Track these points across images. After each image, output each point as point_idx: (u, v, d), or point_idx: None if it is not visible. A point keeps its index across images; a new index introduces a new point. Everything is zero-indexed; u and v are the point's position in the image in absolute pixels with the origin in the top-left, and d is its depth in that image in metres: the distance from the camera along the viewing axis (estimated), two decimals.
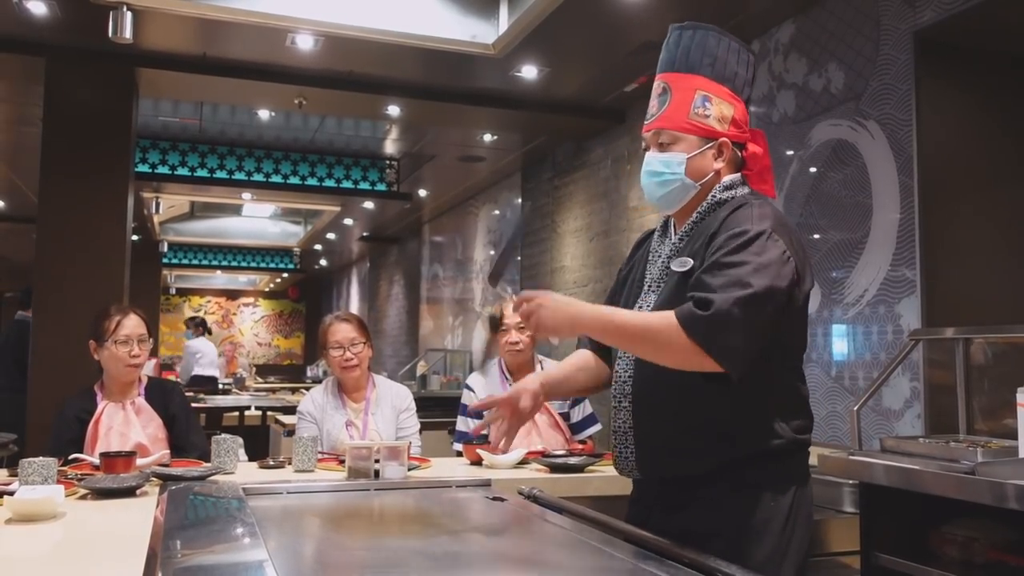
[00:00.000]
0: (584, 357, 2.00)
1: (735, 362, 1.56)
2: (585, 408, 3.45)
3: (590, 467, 2.84)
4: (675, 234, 1.83)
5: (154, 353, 6.11)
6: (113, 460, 2.40)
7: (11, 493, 1.96)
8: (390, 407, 3.27)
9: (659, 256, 1.84)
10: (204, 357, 10.39)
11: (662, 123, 1.78)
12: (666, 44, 1.85)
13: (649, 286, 1.81)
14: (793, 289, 1.64)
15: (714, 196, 1.77)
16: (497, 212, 8.43)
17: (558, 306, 1.67)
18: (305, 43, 4.62)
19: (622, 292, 1.93)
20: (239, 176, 7.92)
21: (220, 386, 9.60)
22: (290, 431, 4.39)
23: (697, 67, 1.78)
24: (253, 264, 15.15)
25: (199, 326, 10.83)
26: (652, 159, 1.80)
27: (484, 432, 3.35)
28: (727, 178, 1.79)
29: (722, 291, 1.56)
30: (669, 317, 1.59)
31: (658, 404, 1.73)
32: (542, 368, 3.44)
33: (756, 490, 1.67)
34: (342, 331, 3.23)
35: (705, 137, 1.76)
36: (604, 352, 1.97)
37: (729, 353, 1.56)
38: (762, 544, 1.64)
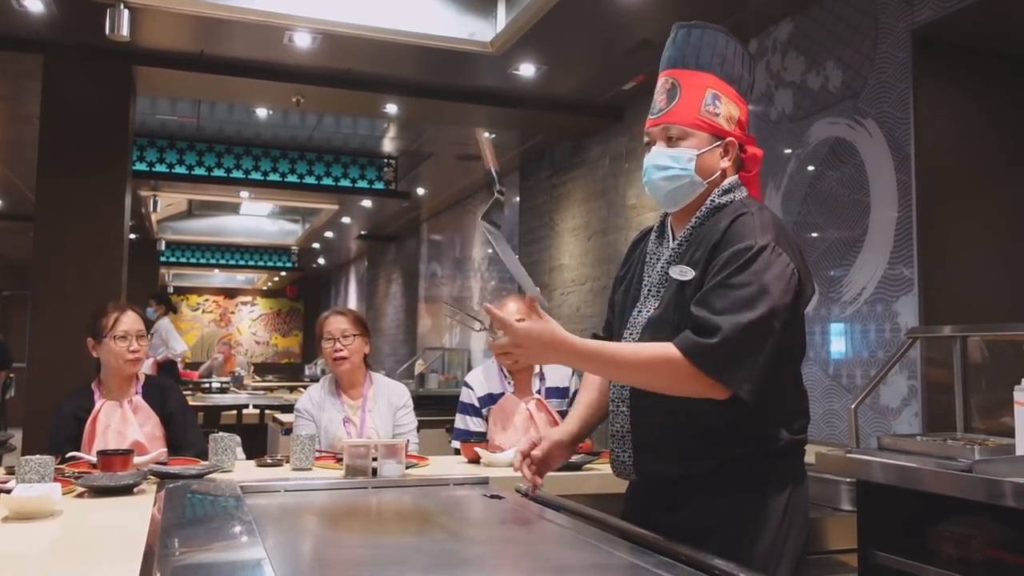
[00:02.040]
0: (597, 383, 2.00)
1: (748, 388, 1.56)
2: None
3: (588, 465, 2.84)
4: (673, 238, 1.82)
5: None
6: (110, 458, 2.40)
7: (8, 491, 1.96)
8: (387, 404, 3.27)
9: (657, 259, 1.83)
10: (173, 339, 9.13)
11: (672, 118, 1.76)
12: (672, 42, 1.84)
13: (649, 291, 1.80)
14: (797, 301, 1.65)
15: (712, 200, 1.76)
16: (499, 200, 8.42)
17: (533, 347, 1.60)
18: (303, 41, 4.61)
19: (620, 296, 1.92)
20: (237, 174, 7.91)
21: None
22: (288, 429, 4.38)
23: (707, 65, 1.77)
24: (251, 262, 15.14)
25: (162, 303, 9.26)
26: (660, 152, 1.77)
27: (483, 431, 3.37)
28: (726, 182, 1.78)
29: (728, 315, 1.55)
30: (669, 349, 1.57)
31: (656, 408, 1.72)
32: (540, 366, 3.44)
33: (753, 490, 1.67)
34: (335, 323, 3.25)
35: (714, 135, 1.75)
36: None
37: (741, 381, 1.55)
38: (758, 543, 1.64)
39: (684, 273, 1.71)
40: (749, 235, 1.64)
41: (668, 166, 1.76)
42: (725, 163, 1.77)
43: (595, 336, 2.05)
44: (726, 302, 1.57)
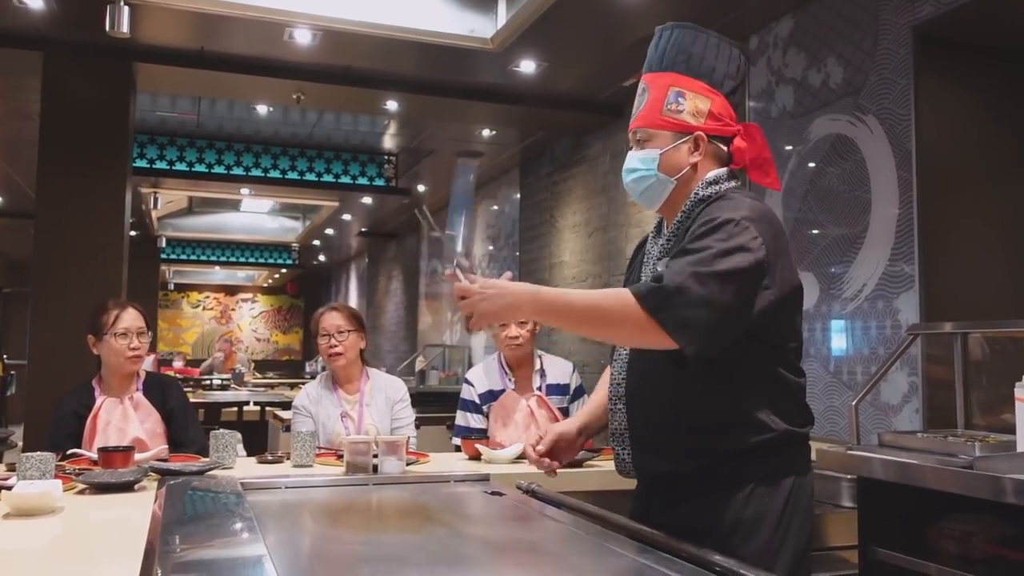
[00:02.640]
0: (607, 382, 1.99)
1: (690, 337, 1.53)
2: (584, 403, 3.45)
3: (588, 462, 2.84)
4: (664, 235, 1.83)
5: (152, 348, 6.09)
6: (111, 455, 2.40)
7: (9, 488, 1.96)
8: (384, 398, 3.28)
9: (652, 257, 1.84)
10: None
11: (637, 122, 1.81)
12: (650, 47, 1.88)
13: None
14: (763, 275, 1.62)
15: (697, 193, 1.76)
16: (496, 207, 8.43)
17: (494, 295, 1.59)
18: (303, 38, 4.61)
19: None
20: (237, 171, 7.91)
21: None
22: (288, 426, 4.39)
23: (671, 65, 1.80)
24: (251, 259, 15.14)
25: None
26: (630, 156, 1.83)
27: (484, 427, 3.37)
28: (711, 173, 1.77)
29: (673, 272, 1.56)
30: (622, 292, 1.57)
31: (649, 404, 1.73)
32: (541, 362, 3.45)
33: (749, 485, 1.66)
34: (329, 319, 3.26)
35: (678, 132, 1.76)
36: None
37: (683, 326, 1.53)
38: (755, 539, 1.64)
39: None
40: (716, 211, 1.66)
41: (636, 168, 1.80)
42: (695, 158, 1.77)
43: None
44: (680, 263, 1.58)
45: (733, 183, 1.79)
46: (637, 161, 1.80)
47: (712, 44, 1.81)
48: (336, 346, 3.21)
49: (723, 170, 1.79)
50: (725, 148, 1.80)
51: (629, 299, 1.55)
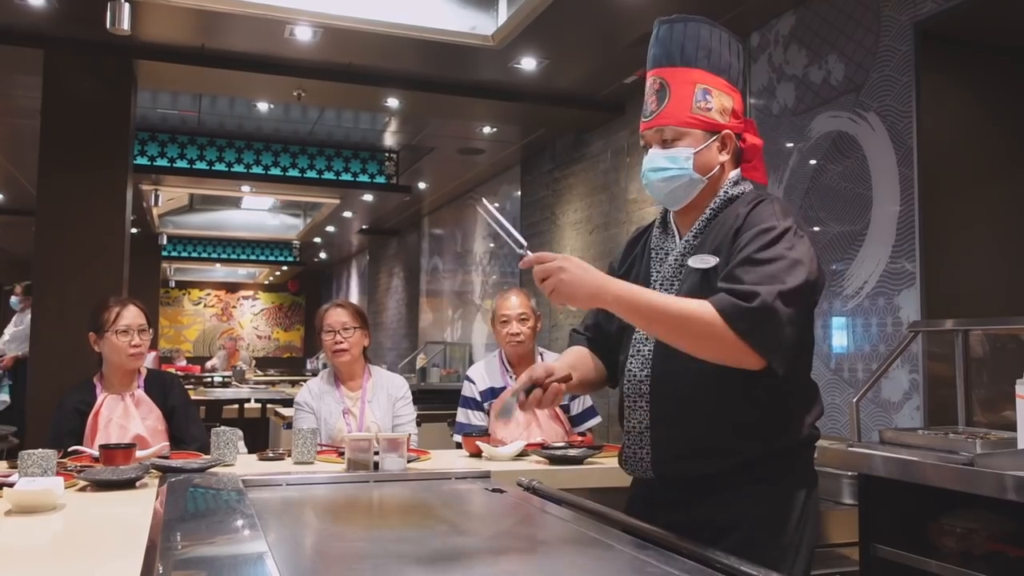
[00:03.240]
0: (580, 355, 1.94)
1: (779, 357, 1.54)
2: (585, 401, 3.45)
3: (589, 459, 2.84)
4: (679, 232, 1.81)
5: (154, 345, 6.09)
6: (113, 452, 2.41)
7: (11, 485, 1.96)
8: (386, 396, 3.28)
9: (666, 253, 1.81)
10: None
11: (664, 119, 1.74)
12: (655, 39, 1.81)
13: (661, 285, 1.77)
14: (819, 285, 1.64)
15: (726, 191, 1.76)
16: (497, 204, 8.40)
17: (580, 272, 1.56)
18: (304, 35, 4.61)
19: None
20: (238, 168, 7.91)
21: None
22: (289, 423, 4.39)
23: (693, 60, 1.75)
24: (252, 257, 15.14)
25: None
26: (657, 155, 1.75)
27: (485, 425, 3.37)
28: (733, 173, 1.78)
29: (763, 284, 1.53)
30: (707, 307, 1.53)
31: (678, 403, 1.70)
32: (543, 360, 3.45)
33: (774, 484, 1.67)
34: (335, 315, 3.26)
35: (709, 131, 1.74)
36: (603, 350, 1.94)
37: (774, 348, 1.53)
38: (779, 537, 1.64)
39: (706, 261, 1.69)
40: (771, 218, 1.64)
41: (666, 167, 1.75)
42: (724, 156, 1.76)
43: (573, 331, 2.04)
44: (757, 275, 1.55)
45: (749, 184, 1.80)
46: (666, 160, 1.74)
47: (725, 39, 1.78)
48: (342, 343, 3.21)
49: (738, 171, 1.80)
50: (739, 145, 1.80)
51: (716, 317, 1.52)
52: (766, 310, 1.51)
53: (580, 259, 1.60)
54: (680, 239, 1.80)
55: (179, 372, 9.65)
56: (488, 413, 3.39)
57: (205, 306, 18.91)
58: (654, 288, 1.77)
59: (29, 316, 7.23)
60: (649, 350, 1.75)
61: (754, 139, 1.81)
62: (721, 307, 1.52)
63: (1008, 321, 2.77)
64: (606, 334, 1.94)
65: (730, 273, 1.59)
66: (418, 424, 3.46)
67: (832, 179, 3.88)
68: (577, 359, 1.92)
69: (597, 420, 3.47)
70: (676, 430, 1.70)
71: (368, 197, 9.31)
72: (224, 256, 14.99)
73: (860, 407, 2.73)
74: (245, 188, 9.02)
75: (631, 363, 1.78)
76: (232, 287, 19.07)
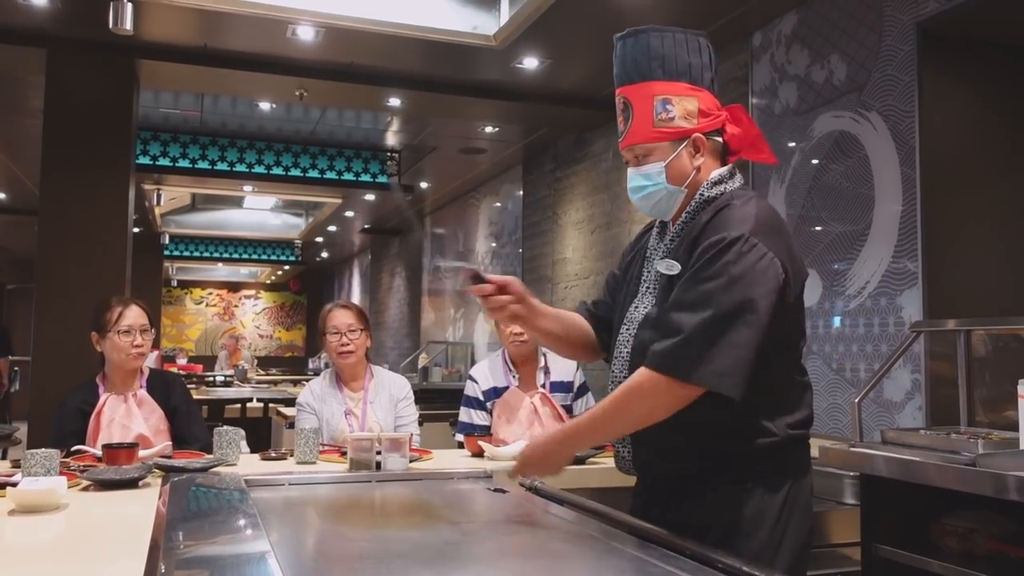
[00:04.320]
0: (570, 315, 2.01)
1: (729, 383, 1.54)
2: (588, 401, 3.45)
3: (591, 459, 2.84)
4: (668, 234, 1.82)
5: (156, 345, 6.10)
6: (115, 452, 2.41)
7: (14, 484, 1.97)
8: (388, 396, 3.28)
9: (656, 254, 1.83)
10: None
11: (631, 139, 1.78)
12: (615, 57, 1.84)
13: (646, 288, 1.80)
14: (782, 289, 1.62)
15: (701, 194, 1.75)
16: (498, 204, 8.43)
17: (540, 456, 1.74)
18: (306, 34, 4.61)
19: (622, 288, 1.92)
20: (240, 168, 7.91)
21: None
22: (292, 423, 4.40)
23: (648, 72, 1.76)
24: (254, 256, 15.15)
25: None
26: (633, 175, 1.80)
27: (487, 424, 3.37)
28: (714, 173, 1.76)
29: (690, 311, 1.56)
30: (641, 375, 1.60)
31: None
32: (546, 359, 3.45)
33: (750, 484, 1.67)
34: (339, 317, 3.26)
35: (676, 139, 1.74)
36: (601, 325, 1.97)
37: (719, 377, 1.53)
38: (754, 537, 1.64)
39: (671, 268, 1.71)
40: (723, 227, 1.63)
41: (643, 185, 1.78)
42: (698, 160, 1.75)
43: (581, 303, 2.06)
44: (693, 295, 1.58)
45: (737, 182, 1.78)
46: (641, 178, 1.78)
47: (680, 41, 1.78)
48: (348, 344, 3.21)
49: (725, 169, 1.78)
50: (720, 140, 1.79)
51: (653, 376, 1.56)
52: (693, 343, 1.54)
53: (540, 440, 1.79)
54: (666, 240, 1.82)
55: (181, 371, 9.66)
56: (491, 413, 3.39)
57: (207, 305, 18.93)
58: (641, 291, 1.81)
59: None
60: (628, 352, 1.78)
61: (736, 128, 1.79)
62: (652, 361, 1.58)
63: (1010, 321, 2.77)
64: (606, 313, 1.97)
65: (675, 294, 1.64)
66: (420, 424, 3.46)
67: (834, 179, 3.87)
68: (565, 315, 2.00)
69: None
70: (652, 430, 1.71)
71: (370, 197, 9.32)
72: (226, 255, 15.00)
73: (862, 407, 2.73)
74: (247, 188, 9.03)
75: (614, 364, 1.82)
76: (234, 286, 19.08)
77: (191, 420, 3.04)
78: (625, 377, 1.76)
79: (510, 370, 3.42)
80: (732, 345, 1.54)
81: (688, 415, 1.63)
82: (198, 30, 4.74)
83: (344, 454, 2.67)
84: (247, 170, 7.93)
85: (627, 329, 1.79)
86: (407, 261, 11.88)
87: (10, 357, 10.22)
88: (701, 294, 1.57)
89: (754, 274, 1.57)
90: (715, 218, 1.68)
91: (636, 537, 1.54)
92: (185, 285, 18.54)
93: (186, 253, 14.73)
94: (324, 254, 15.60)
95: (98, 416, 2.88)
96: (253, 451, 3.08)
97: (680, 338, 1.54)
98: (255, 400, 6.86)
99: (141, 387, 2.98)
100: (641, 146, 1.77)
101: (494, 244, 8.51)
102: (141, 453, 2.52)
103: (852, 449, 2.56)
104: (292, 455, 2.77)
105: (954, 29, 3.44)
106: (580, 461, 2.80)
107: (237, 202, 11.98)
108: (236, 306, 19.11)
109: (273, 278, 18.76)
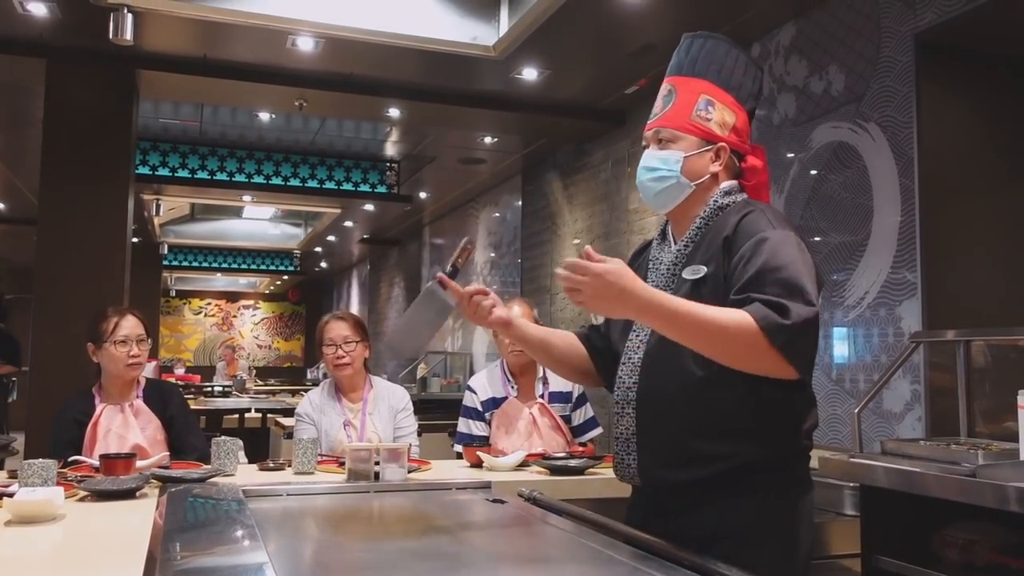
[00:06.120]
0: (563, 334, 2.00)
1: (809, 369, 1.61)
2: (587, 411, 3.45)
3: (590, 469, 2.83)
4: (675, 241, 1.83)
5: (154, 355, 6.09)
6: (113, 462, 2.40)
7: (11, 495, 1.96)
8: (387, 407, 3.27)
9: (661, 264, 1.83)
10: None
11: (664, 122, 1.80)
12: (677, 50, 1.88)
13: None
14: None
15: (716, 201, 1.78)
16: (497, 214, 8.43)
17: (608, 280, 1.51)
18: (305, 45, 4.62)
19: None
20: (239, 178, 7.92)
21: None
22: (290, 433, 4.39)
23: (703, 72, 1.81)
24: (253, 266, 15.15)
25: None
26: (649, 155, 1.81)
27: (486, 435, 3.37)
28: (725, 184, 1.80)
29: (791, 299, 1.53)
30: (745, 319, 1.52)
31: (663, 411, 1.71)
32: (544, 371, 3.44)
33: (763, 493, 1.66)
34: (336, 329, 3.25)
35: (704, 139, 1.78)
36: (597, 348, 1.96)
37: (808, 361, 1.59)
38: (767, 547, 1.64)
39: (696, 272, 1.71)
40: (767, 226, 1.65)
41: (656, 167, 1.79)
42: (716, 167, 1.79)
43: (581, 325, 2.07)
44: (777, 288, 1.55)
45: (744, 196, 1.82)
46: (658, 160, 1.79)
47: (742, 61, 1.83)
48: (344, 356, 3.21)
49: (735, 182, 1.82)
50: (739, 164, 1.83)
51: (754, 328, 1.51)
52: (803, 324, 1.52)
53: (620, 266, 1.55)
54: (674, 246, 1.83)
55: (178, 381, 9.64)
56: (489, 423, 3.39)
57: (206, 315, 18.91)
58: None
59: None
60: (639, 358, 1.77)
61: (756, 162, 1.83)
62: (766, 324, 1.51)
63: (1010, 331, 2.77)
64: (605, 337, 1.98)
65: (748, 284, 1.58)
66: (418, 434, 3.45)
67: (833, 189, 3.88)
68: (555, 334, 2.01)
69: (598, 431, 3.46)
70: (660, 437, 1.71)
71: (369, 207, 9.33)
72: (225, 265, 15.00)
73: (861, 418, 2.72)
74: (246, 198, 9.03)
75: (621, 370, 1.81)
76: (233, 296, 19.07)
77: (188, 430, 3.04)
78: (634, 383, 1.76)
79: (509, 381, 3.41)
80: (814, 329, 1.57)
81: (706, 421, 1.65)
82: (198, 40, 4.75)
83: (342, 464, 2.67)
84: (246, 180, 7.94)
85: (638, 336, 1.79)
86: (406, 271, 11.88)
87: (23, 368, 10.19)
88: (786, 284, 1.56)
89: (811, 268, 1.63)
90: (746, 219, 1.69)
91: (635, 548, 1.53)
92: (184, 295, 18.53)
93: (185, 263, 14.74)
94: (323, 264, 15.60)
95: (94, 426, 2.88)
96: (251, 461, 3.07)
97: (793, 319, 1.51)
98: (253, 410, 6.85)
99: (138, 397, 2.97)
100: (669, 131, 1.79)
101: (493, 254, 8.51)
102: (139, 463, 2.51)
103: (852, 460, 2.55)
104: (290, 465, 2.76)
105: (952, 40, 3.45)
106: (579, 472, 2.79)
107: (236, 212, 11.99)
108: (235, 316, 19.10)
109: (272, 288, 18.76)
